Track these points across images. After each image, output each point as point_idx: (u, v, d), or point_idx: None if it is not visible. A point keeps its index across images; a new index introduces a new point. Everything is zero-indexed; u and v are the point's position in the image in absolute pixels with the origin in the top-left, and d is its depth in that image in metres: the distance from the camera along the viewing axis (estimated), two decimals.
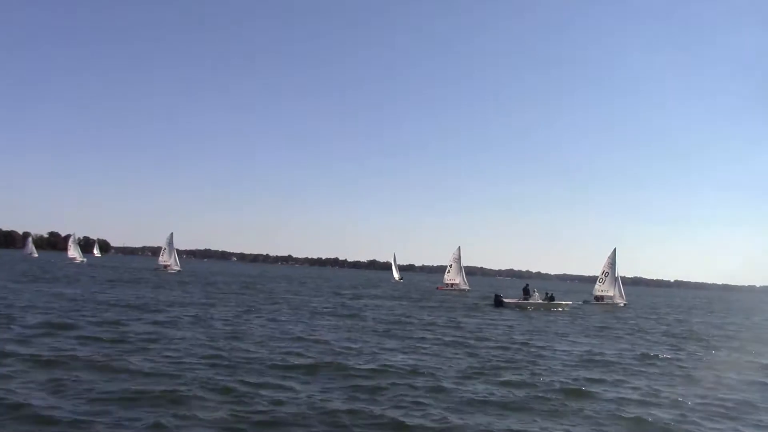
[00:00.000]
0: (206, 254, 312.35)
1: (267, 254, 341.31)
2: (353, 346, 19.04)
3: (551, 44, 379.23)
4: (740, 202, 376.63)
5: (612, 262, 55.10)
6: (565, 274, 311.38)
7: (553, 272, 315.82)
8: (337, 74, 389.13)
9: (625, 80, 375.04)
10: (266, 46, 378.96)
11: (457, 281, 68.20)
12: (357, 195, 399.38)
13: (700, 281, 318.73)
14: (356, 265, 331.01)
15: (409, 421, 10.66)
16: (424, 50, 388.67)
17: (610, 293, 55.33)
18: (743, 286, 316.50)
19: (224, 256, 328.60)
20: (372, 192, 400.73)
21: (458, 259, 68.51)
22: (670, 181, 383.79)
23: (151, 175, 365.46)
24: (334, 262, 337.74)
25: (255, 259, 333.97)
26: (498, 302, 44.95)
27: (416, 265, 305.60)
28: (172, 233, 78.48)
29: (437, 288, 70.62)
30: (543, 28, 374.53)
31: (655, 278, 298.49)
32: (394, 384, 13.42)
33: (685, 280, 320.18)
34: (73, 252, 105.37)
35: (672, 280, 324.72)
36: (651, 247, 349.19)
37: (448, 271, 69.08)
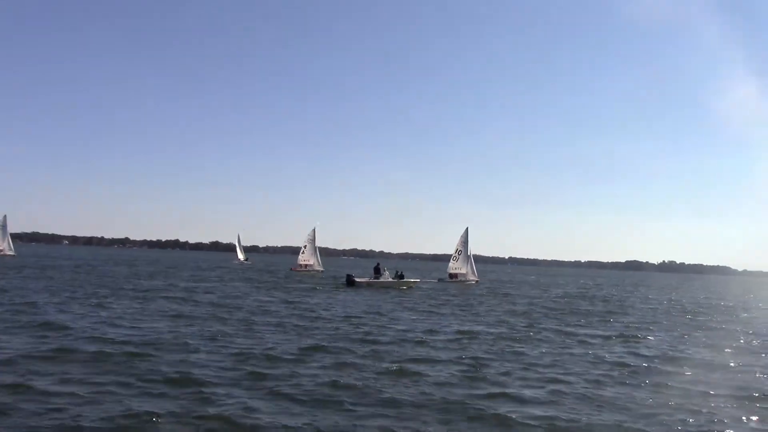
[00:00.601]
0: (34, 238, 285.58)
1: (102, 237, 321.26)
2: (180, 331, 18.05)
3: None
4: (567, 184, 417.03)
5: (465, 240, 57.25)
6: (407, 253, 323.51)
7: (395, 251, 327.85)
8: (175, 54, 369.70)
9: (472, 66, 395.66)
10: None
11: (311, 262, 68.27)
12: (196, 175, 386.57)
13: (532, 257, 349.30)
14: (198, 247, 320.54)
15: (220, 411, 9.92)
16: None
17: (464, 271, 57.54)
18: (570, 261, 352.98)
19: (54, 239, 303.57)
20: (214, 172, 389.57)
21: (313, 240, 68.46)
22: (506, 165, 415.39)
23: None
24: (175, 244, 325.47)
25: (89, 242, 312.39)
26: (350, 282, 45.46)
27: (260, 246, 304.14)
28: (5, 215, 74.49)
29: (291, 269, 69.97)
30: None
31: (491, 255, 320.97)
32: (205, 374, 12.47)
33: (517, 256, 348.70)
34: None
35: (506, 257, 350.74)
36: (488, 226, 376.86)
37: (303, 252, 68.88)
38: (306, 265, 68.22)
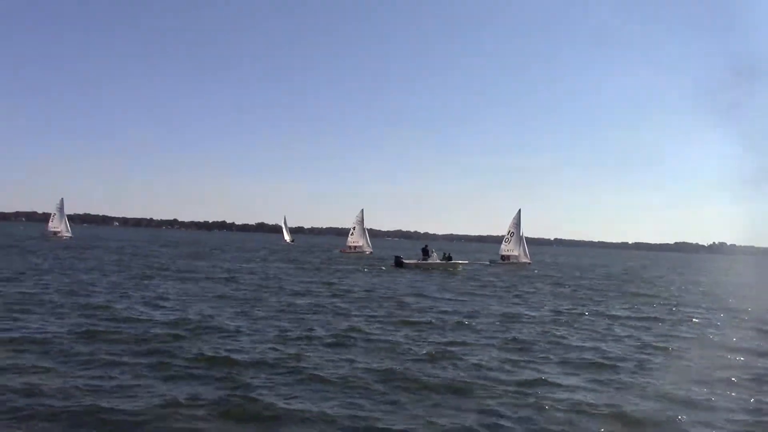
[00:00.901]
0: (85, 219, 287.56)
1: (151, 218, 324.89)
2: (220, 313, 17.95)
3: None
4: (615, 167, 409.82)
5: (517, 222, 56.35)
6: (451, 234, 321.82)
7: (440, 233, 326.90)
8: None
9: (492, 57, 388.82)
10: None
11: (360, 244, 68.00)
12: (244, 157, 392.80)
13: (576, 239, 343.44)
14: (244, 228, 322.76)
15: (255, 394, 9.76)
16: None
17: (516, 252, 56.65)
18: (617, 243, 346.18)
19: (105, 221, 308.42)
20: (261, 154, 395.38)
21: (361, 222, 68.20)
22: (553, 150, 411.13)
23: (19, 135, 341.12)
24: (222, 226, 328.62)
25: (138, 223, 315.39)
26: (398, 263, 45.33)
27: (305, 227, 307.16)
28: (62, 198, 75.98)
29: (340, 251, 69.69)
30: None
31: (536, 237, 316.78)
32: (242, 357, 12.32)
33: (563, 238, 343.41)
34: None
35: (552, 239, 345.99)
36: (533, 208, 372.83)
37: (352, 234, 68.60)
38: (355, 247, 68.03)
